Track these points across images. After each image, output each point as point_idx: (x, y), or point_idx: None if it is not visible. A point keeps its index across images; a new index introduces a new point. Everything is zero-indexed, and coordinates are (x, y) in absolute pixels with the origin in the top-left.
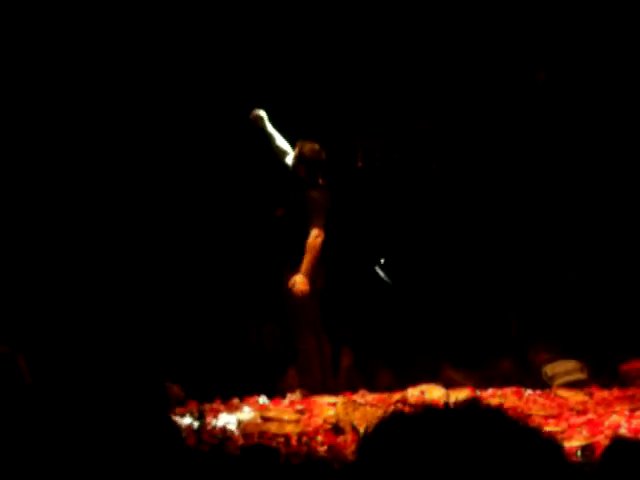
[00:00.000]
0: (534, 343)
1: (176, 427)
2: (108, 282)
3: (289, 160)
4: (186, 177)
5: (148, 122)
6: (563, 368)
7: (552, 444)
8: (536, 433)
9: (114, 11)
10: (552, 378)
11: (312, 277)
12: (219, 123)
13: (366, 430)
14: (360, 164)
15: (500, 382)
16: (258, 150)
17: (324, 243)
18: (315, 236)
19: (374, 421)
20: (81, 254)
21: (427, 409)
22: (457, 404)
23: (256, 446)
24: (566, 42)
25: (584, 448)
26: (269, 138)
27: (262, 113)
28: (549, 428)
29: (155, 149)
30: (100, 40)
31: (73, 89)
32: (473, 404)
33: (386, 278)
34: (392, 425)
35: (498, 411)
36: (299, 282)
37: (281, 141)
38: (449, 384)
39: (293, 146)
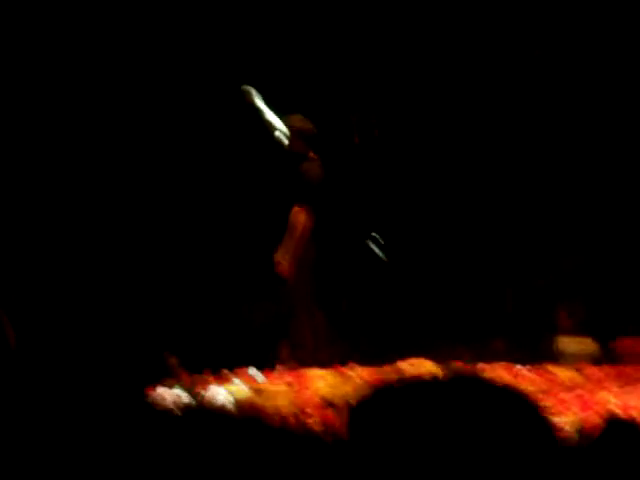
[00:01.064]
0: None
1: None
2: (101, 254)
3: (279, 135)
4: (180, 157)
5: (144, 114)
6: (575, 348)
7: (543, 417)
8: (530, 406)
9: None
10: (562, 354)
11: (301, 252)
12: (210, 103)
13: (355, 404)
14: (357, 140)
15: (492, 358)
16: (248, 129)
17: (315, 217)
18: (298, 211)
19: (364, 394)
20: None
21: (416, 381)
22: (446, 376)
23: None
24: (563, 21)
25: (575, 425)
26: (259, 112)
27: (251, 88)
28: (540, 404)
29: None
30: (99, 39)
31: (73, 89)
32: (462, 376)
33: (380, 253)
34: (381, 397)
35: (489, 383)
36: (280, 263)
37: (271, 115)
38: (439, 359)
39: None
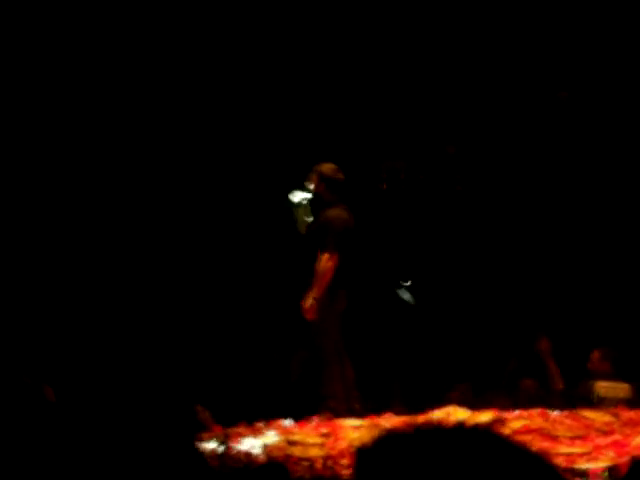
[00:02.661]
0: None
1: (200, 452)
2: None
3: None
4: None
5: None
6: (614, 394)
7: (542, 463)
8: (526, 452)
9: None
10: (601, 400)
11: (331, 301)
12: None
13: (362, 446)
14: (385, 186)
15: (524, 403)
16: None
17: (342, 266)
18: (325, 259)
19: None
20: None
21: (419, 429)
22: (457, 426)
23: (272, 465)
24: (588, 61)
25: (610, 469)
26: (300, 221)
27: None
28: (575, 449)
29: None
30: (100, 40)
31: (73, 89)
32: (463, 426)
33: (410, 300)
34: (386, 443)
35: (488, 431)
36: (306, 308)
37: (298, 195)
38: (474, 406)
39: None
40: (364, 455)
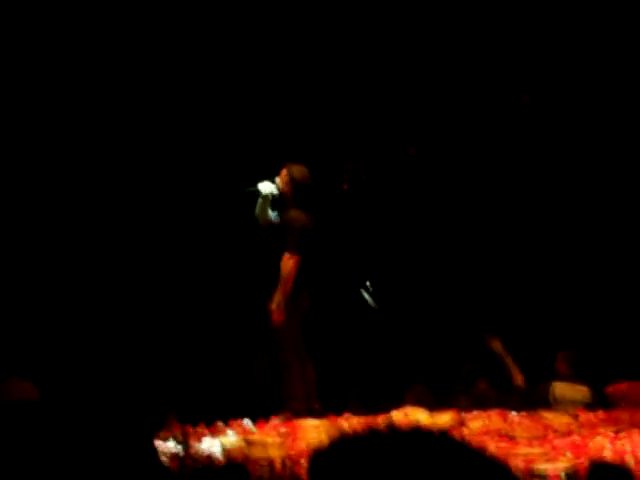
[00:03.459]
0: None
1: (156, 452)
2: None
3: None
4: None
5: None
6: (571, 394)
7: (497, 465)
8: (480, 455)
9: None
10: (559, 401)
11: (292, 301)
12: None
13: (317, 450)
14: (346, 187)
15: (480, 405)
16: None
17: (304, 266)
18: (287, 259)
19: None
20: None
21: (372, 432)
22: (399, 428)
23: (231, 466)
24: (550, 65)
25: (568, 471)
26: (262, 211)
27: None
28: (534, 450)
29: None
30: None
31: (73, 89)
32: (417, 429)
33: (371, 301)
34: (341, 446)
35: (443, 434)
36: (272, 310)
37: (265, 186)
38: (433, 407)
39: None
40: (318, 458)
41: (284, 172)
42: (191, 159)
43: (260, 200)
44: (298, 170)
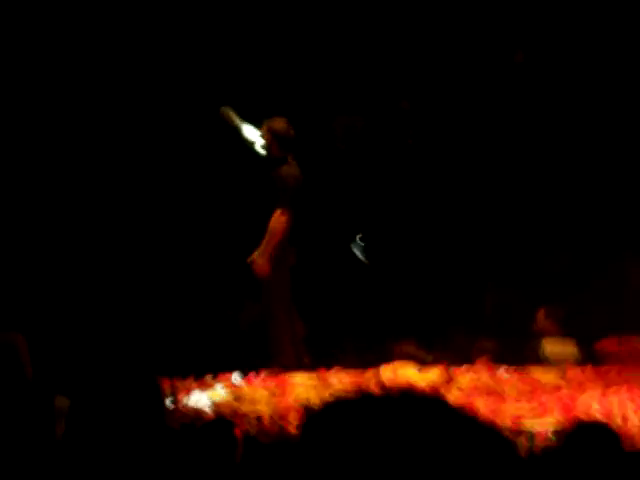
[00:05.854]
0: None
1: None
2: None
3: (259, 146)
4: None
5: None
6: (561, 351)
7: (489, 431)
8: (472, 420)
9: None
10: (547, 358)
11: (281, 257)
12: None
13: (312, 411)
14: (340, 145)
15: (474, 359)
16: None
17: (294, 222)
18: (277, 215)
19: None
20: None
21: (365, 396)
22: (394, 391)
23: (219, 422)
24: (544, 22)
25: (555, 428)
26: (238, 130)
27: (228, 109)
28: (522, 408)
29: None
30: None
31: (73, 89)
32: (409, 392)
33: (362, 256)
34: (334, 409)
35: (436, 399)
36: (256, 263)
37: (250, 131)
38: (422, 362)
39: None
40: (312, 421)
41: (264, 129)
42: (181, 102)
43: (250, 145)
44: (277, 123)
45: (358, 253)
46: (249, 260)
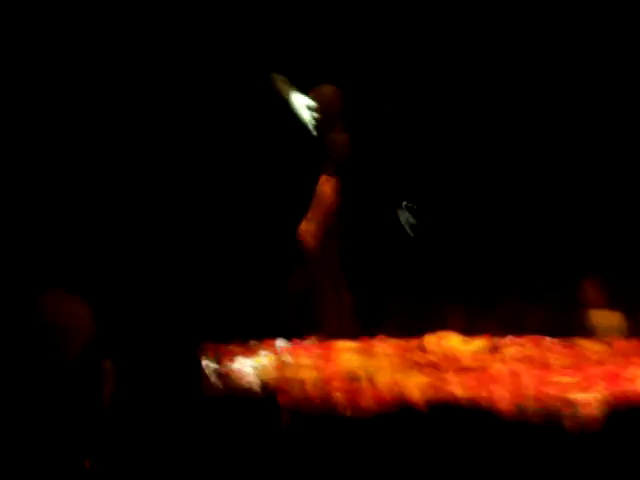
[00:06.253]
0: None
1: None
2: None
3: (308, 113)
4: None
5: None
6: (607, 322)
7: None
8: None
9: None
10: (592, 328)
11: (327, 224)
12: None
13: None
14: (389, 107)
15: (528, 329)
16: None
17: (342, 189)
18: (324, 182)
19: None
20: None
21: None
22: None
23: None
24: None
25: (600, 401)
26: (287, 98)
27: (279, 76)
28: (567, 379)
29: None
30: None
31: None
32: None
33: (410, 222)
34: None
35: None
36: (302, 229)
37: (299, 98)
38: (469, 330)
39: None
40: None
41: (314, 96)
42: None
43: (298, 114)
44: (327, 90)
45: (406, 220)
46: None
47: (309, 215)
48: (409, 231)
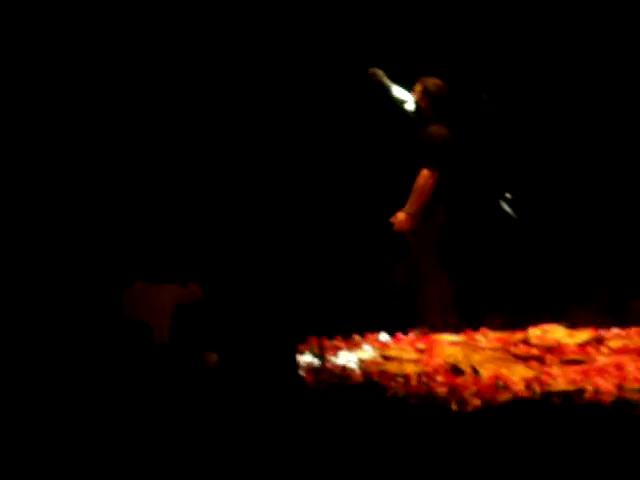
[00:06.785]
0: None
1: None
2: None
3: (409, 105)
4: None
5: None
6: None
7: None
8: None
9: None
10: None
11: (430, 216)
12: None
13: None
14: (485, 97)
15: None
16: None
17: (442, 181)
18: (424, 175)
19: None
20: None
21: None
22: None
23: (368, 384)
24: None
25: None
26: (387, 90)
27: (377, 70)
28: None
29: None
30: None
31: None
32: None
33: (511, 213)
34: None
35: None
36: (399, 220)
37: (399, 91)
38: (573, 324)
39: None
40: None
41: (418, 87)
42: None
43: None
44: (433, 83)
45: (507, 210)
46: (392, 219)
47: (407, 206)
48: (513, 215)
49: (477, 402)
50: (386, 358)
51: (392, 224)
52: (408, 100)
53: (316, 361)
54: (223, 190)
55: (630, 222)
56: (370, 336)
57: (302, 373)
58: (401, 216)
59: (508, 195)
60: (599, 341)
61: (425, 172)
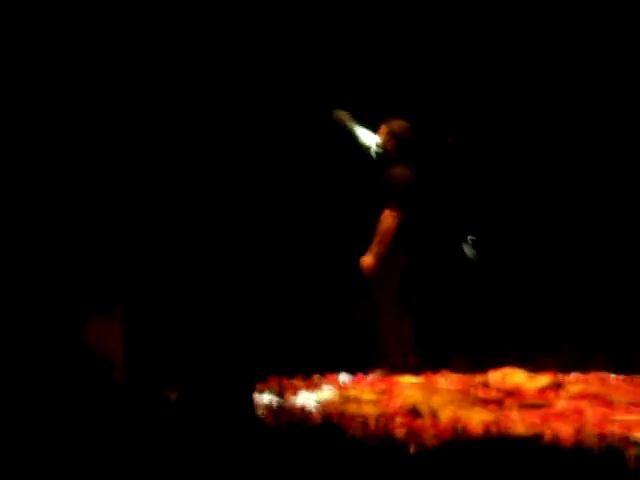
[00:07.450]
0: None
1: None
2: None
3: (374, 149)
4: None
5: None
6: None
7: None
8: None
9: None
10: None
11: (391, 258)
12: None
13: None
14: (451, 140)
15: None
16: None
17: (404, 223)
18: (387, 216)
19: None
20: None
21: None
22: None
23: (327, 424)
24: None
25: None
26: (352, 133)
27: (343, 113)
28: (631, 417)
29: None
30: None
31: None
32: None
33: (472, 255)
34: None
35: None
36: (367, 263)
37: (364, 134)
38: (533, 368)
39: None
40: None
41: (384, 128)
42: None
43: (365, 148)
44: (398, 125)
45: (469, 253)
46: (360, 264)
47: (372, 247)
48: (474, 258)
49: (435, 444)
50: (345, 399)
51: (358, 268)
52: (373, 143)
53: (275, 401)
54: (178, 229)
55: (593, 266)
56: (330, 376)
57: (261, 412)
58: (368, 259)
59: (471, 237)
60: (559, 386)
61: (388, 213)
